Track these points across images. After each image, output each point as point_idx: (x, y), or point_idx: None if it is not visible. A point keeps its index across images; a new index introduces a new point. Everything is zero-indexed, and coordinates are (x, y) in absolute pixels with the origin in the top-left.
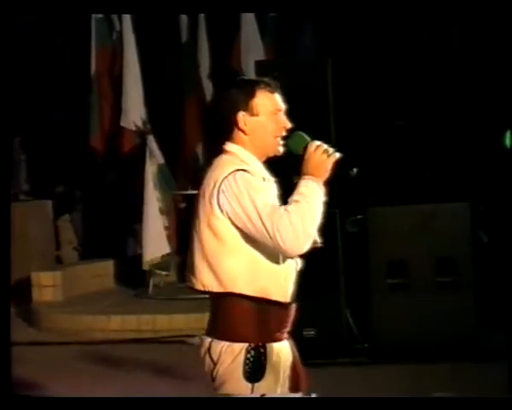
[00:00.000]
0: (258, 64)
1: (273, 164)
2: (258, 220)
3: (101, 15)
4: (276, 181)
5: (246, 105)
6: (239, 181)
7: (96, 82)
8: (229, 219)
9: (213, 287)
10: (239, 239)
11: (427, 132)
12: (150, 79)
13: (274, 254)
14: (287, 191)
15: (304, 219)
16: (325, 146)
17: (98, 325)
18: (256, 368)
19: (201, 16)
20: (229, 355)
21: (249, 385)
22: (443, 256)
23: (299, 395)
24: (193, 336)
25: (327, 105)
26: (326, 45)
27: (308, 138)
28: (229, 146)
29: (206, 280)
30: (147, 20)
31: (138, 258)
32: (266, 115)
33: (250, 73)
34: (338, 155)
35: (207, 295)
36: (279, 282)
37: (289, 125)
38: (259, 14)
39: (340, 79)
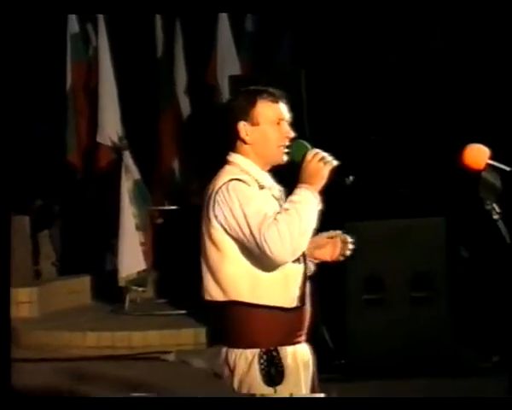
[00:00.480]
0: (232, 79)
1: (279, 173)
2: (247, 229)
3: (76, 30)
4: (285, 190)
5: (246, 115)
6: (231, 191)
7: (71, 98)
8: (224, 229)
9: (219, 297)
10: (236, 248)
11: (403, 147)
12: (126, 94)
13: (270, 262)
14: None
15: (292, 227)
16: (323, 154)
17: (74, 342)
18: (273, 372)
19: (178, 31)
20: (244, 362)
21: (271, 390)
22: (419, 271)
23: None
24: (168, 353)
25: (301, 119)
26: (300, 59)
27: (309, 146)
28: (231, 156)
29: (211, 290)
30: (122, 35)
31: (115, 274)
32: (268, 125)
33: (225, 88)
34: (335, 162)
35: (183, 311)
36: (280, 288)
37: (292, 134)
38: (235, 29)
39: (314, 93)
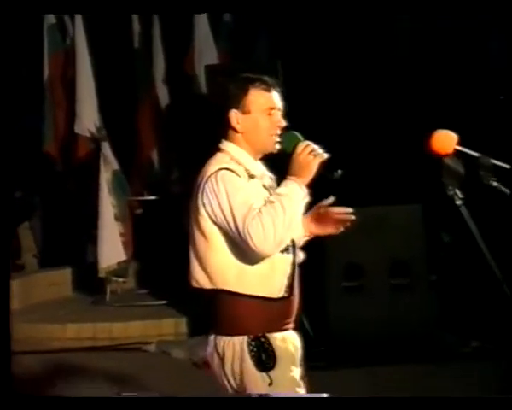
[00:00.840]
0: (208, 68)
1: (271, 160)
2: (231, 220)
3: (53, 21)
4: (276, 178)
5: (238, 103)
6: (220, 180)
7: (49, 89)
8: (211, 218)
9: (205, 284)
10: (223, 238)
11: (378, 134)
12: (104, 84)
13: (253, 254)
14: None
15: (276, 220)
16: (313, 146)
17: (55, 334)
18: (264, 357)
19: (155, 21)
20: (232, 349)
21: (264, 374)
22: (397, 258)
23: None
24: (149, 343)
25: None
26: (278, 48)
27: (301, 138)
28: (223, 144)
29: (198, 278)
30: (99, 25)
31: (96, 265)
32: (259, 113)
33: (203, 78)
34: (325, 155)
35: (164, 302)
36: (267, 278)
37: (284, 123)
38: (213, 19)
39: (291, 82)
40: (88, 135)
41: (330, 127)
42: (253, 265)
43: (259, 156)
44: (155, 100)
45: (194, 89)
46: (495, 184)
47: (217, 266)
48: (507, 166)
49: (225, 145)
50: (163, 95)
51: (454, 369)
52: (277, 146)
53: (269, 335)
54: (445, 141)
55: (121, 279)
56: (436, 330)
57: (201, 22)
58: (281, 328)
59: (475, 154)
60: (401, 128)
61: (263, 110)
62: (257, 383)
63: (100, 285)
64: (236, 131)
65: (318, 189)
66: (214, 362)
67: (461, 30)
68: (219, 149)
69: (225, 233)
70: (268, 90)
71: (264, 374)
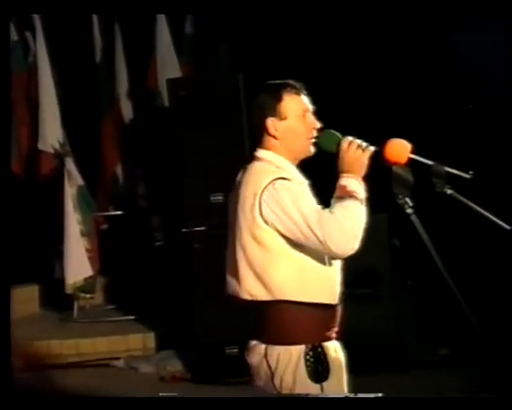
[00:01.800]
0: (170, 82)
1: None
2: (306, 228)
3: (16, 39)
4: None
5: (274, 110)
6: (280, 190)
7: (13, 107)
8: (276, 229)
9: (261, 295)
10: (285, 247)
11: None
12: (67, 100)
13: (321, 258)
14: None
15: (351, 219)
16: (358, 141)
17: None
18: (320, 367)
19: (117, 35)
20: (288, 359)
21: (317, 386)
22: (362, 268)
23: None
24: (117, 359)
25: (240, 121)
26: (239, 62)
27: (339, 135)
28: (261, 153)
29: (252, 289)
30: (61, 40)
31: (63, 281)
32: (295, 118)
33: (164, 92)
34: (372, 148)
35: (132, 317)
36: (327, 285)
37: (319, 124)
38: (175, 32)
39: (253, 95)
40: (51, 151)
41: None
42: (314, 272)
43: (297, 162)
44: (119, 114)
45: (157, 103)
46: (449, 192)
47: (278, 278)
48: (466, 176)
49: (264, 154)
50: (126, 109)
51: (422, 377)
52: (313, 150)
53: (324, 345)
54: (399, 150)
55: (88, 295)
56: (403, 339)
57: (163, 35)
58: (331, 337)
59: (429, 162)
60: (367, 135)
61: (298, 114)
62: (309, 393)
63: (67, 302)
64: (275, 138)
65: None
66: (261, 371)
67: (425, 37)
68: (257, 158)
69: (290, 242)
70: (298, 93)
71: (317, 385)
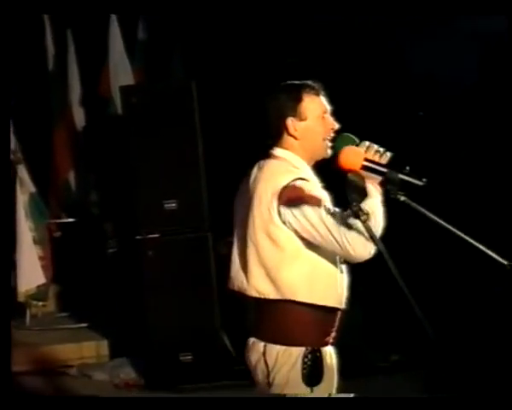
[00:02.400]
0: (123, 89)
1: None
2: (325, 231)
3: None
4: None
5: (294, 110)
6: (301, 190)
7: None
8: (293, 229)
9: (270, 294)
10: (300, 248)
11: None
12: (19, 107)
13: (333, 261)
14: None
15: (371, 223)
16: (376, 146)
17: None
18: (314, 372)
19: (70, 42)
20: (287, 359)
21: (308, 389)
22: None
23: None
24: (70, 367)
25: (193, 128)
26: (192, 69)
27: (356, 139)
28: (278, 151)
29: (261, 287)
30: (13, 46)
31: (15, 289)
32: (314, 119)
33: (117, 99)
34: (389, 154)
35: (85, 324)
36: (336, 288)
37: (337, 126)
38: (128, 40)
39: (206, 102)
40: None
41: (244, 147)
42: (325, 275)
43: (312, 163)
44: (71, 121)
45: (110, 110)
46: (402, 198)
47: (289, 278)
48: (419, 183)
49: (282, 153)
50: (79, 116)
51: (375, 382)
52: (329, 152)
53: (322, 350)
54: (353, 157)
55: (41, 303)
56: (355, 345)
57: (116, 42)
58: (328, 341)
59: (383, 169)
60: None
61: (317, 115)
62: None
63: (20, 309)
64: (295, 138)
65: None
66: (258, 369)
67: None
68: (274, 157)
69: (306, 243)
70: (318, 94)
71: (307, 388)
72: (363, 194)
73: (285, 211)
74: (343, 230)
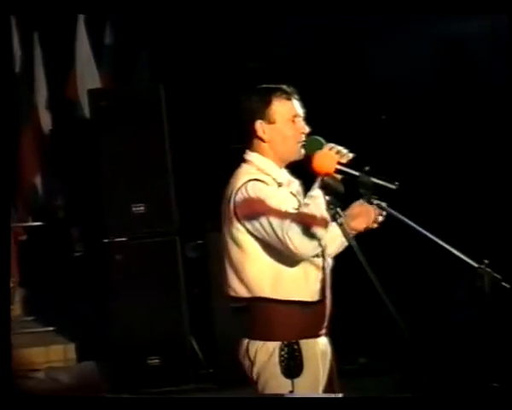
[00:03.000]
0: (91, 92)
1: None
2: (269, 228)
3: None
4: (302, 183)
5: (263, 113)
6: (250, 190)
7: None
8: (246, 228)
9: (243, 293)
10: (258, 247)
11: None
12: None
13: (293, 257)
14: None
15: (313, 221)
16: (339, 147)
17: None
18: (292, 364)
19: (36, 44)
20: (264, 354)
21: (289, 382)
22: None
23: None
24: (38, 371)
25: (162, 131)
26: (160, 72)
27: (323, 141)
28: (248, 155)
29: (235, 287)
30: None
31: None
32: (283, 122)
33: (85, 102)
34: (351, 155)
35: (52, 328)
36: (302, 282)
37: (307, 129)
38: (94, 43)
39: (175, 105)
40: None
41: (213, 150)
42: (288, 271)
43: (285, 164)
44: (38, 125)
45: (77, 113)
46: (375, 202)
47: (253, 275)
48: (392, 186)
49: (251, 156)
50: (45, 119)
51: (343, 385)
52: (302, 153)
53: (301, 342)
54: (326, 161)
55: None
56: None
57: (83, 46)
58: (315, 334)
59: (356, 173)
60: None
61: (287, 119)
62: (279, 389)
63: None
64: (263, 141)
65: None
66: (244, 365)
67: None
68: (245, 161)
69: (261, 242)
70: (289, 98)
71: (288, 381)
72: (340, 197)
73: (238, 211)
74: (286, 227)
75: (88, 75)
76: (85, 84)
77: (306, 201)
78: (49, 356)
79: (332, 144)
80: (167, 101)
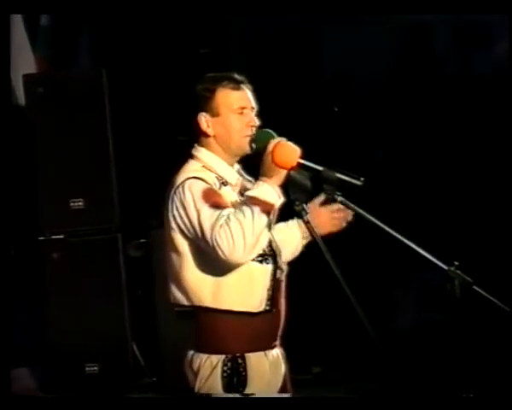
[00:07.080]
0: (27, 78)
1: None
2: (199, 230)
3: None
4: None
5: (206, 105)
6: (187, 190)
7: None
8: (181, 230)
9: (182, 301)
10: (196, 251)
11: None
12: None
13: (227, 264)
14: None
15: (244, 224)
16: (286, 143)
17: None
18: (235, 381)
19: None
20: (208, 368)
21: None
22: None
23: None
24: None
25: (104, 120)
26: (101, 57)
27: (274, 135)
28: (195, 149)
29: (175, 294)
30: None
31: None
32: (229, 114)
33: (20, 88)
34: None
35: None
36: (245, 291)
37: (257, 122)
38: (30, 26)
39: (117, 90)
40: None
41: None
42: (229, 278)
43: (235, 160)
44: None
45: (11, 100)
46: (339, 198)
47: (192, 282)
48: (357, 182)
49: (197, 151)
50: None
51: (297, 395)
52: (253, 146)
53: (247, 356)
54: (287, 154)
55: None
56: None
57: (17, 27)
58: (265, 346)
59: (319, 167)
60: None
61: (233, 110)
62: None
63: None
64: (208, 135)
65: None
66: (189, 378)
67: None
68: (192, 156)
69: (197, 246)
70: (237, 88)
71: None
72: (307, 193)
73: (175, 211)
74: (216, 231)
75: (23, 60)
76: (20, 70)
77: (241, 202)
78: None
79: (280, 138)
80: (110, 87)
